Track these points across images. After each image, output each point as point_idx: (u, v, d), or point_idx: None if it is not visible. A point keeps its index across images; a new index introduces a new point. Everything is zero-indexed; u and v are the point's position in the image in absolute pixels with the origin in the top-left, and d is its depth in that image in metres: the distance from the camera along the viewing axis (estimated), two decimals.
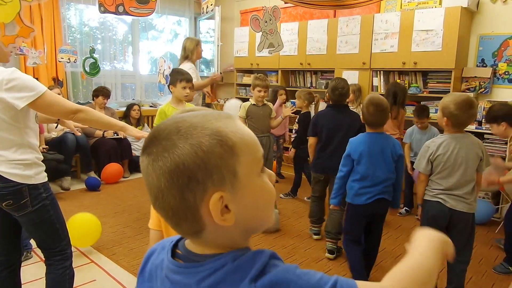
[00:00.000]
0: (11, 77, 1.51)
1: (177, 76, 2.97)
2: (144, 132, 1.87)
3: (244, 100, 4.98)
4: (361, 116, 2.47)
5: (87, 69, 4.22)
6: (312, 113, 4.22)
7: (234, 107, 4.38)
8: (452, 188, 2.08)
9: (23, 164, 1.61)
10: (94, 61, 4.22)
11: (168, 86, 3.03)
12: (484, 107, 3.81)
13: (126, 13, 3.19)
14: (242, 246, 0.60)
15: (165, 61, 3.16)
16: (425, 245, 0.67)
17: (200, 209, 0.55)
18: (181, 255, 0.63)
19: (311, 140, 3.13)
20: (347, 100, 4.28)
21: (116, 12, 3.18)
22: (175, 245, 0.65)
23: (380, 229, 2.53)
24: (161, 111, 2.89)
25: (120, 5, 3.17)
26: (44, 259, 1.82)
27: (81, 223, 2.84)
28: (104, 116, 1.82)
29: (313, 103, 4.26)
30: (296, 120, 4.18)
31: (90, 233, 2.86)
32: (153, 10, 3.18)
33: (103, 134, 4.75)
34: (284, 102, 4.64)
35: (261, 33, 3.73)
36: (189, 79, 2.96)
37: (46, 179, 1.71)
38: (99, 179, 4.53)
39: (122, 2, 3.14)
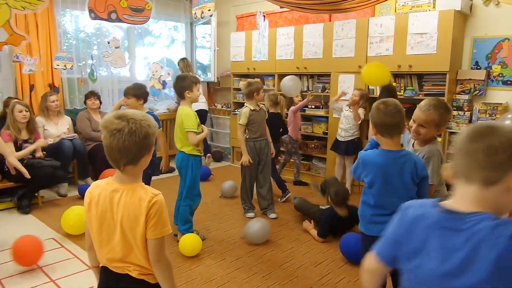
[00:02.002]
0: None
1: (192, 80, 3.00)
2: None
3: (241, 105, 4.99)
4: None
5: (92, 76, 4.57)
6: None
7: (293, 84, 4.31)
8: None
9: None
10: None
11: (182, 93, 3.00)
12: (479, 109, 3.84)
13: (120, 21, 3.16)
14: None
15: (162, 67, 3.16)
16: None
17: (509, 173, 0.86)
18: (442, 211, 0.94)
19: None
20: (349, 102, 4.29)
21: (109, 19, 3.15)
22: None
23: None
24: (190, 113, 2.97)
25: (112, 12, 3.13)
26: None
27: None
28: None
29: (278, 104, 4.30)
30: None
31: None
32: (148, 18, 3.17)
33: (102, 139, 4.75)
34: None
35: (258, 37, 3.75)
36: (200, 81, 3.12)
37: None
38: None
39: (115, 9, 3.09)
